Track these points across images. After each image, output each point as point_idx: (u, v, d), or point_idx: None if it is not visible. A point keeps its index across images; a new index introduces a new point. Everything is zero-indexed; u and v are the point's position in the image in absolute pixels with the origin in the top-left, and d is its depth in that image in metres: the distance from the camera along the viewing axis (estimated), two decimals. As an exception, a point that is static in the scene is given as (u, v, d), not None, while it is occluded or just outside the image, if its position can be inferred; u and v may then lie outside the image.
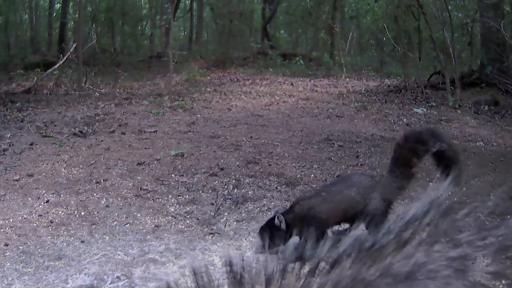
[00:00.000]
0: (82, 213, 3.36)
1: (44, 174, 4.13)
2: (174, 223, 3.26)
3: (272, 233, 2.55)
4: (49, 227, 3.13)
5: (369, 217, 2.52)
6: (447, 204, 0.89)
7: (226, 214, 3.41)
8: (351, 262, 0.83)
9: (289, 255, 0.85)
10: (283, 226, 2.56)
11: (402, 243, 0.85)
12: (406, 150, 2.70)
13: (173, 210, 3.48)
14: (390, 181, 2.78)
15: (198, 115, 6.80)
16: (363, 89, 9.84)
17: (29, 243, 2.89)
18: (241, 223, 3.26)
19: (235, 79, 11.15)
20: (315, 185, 3.94)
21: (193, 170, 4.31)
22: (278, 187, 3.96)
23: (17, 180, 3.95)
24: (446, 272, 0.83)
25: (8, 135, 5.40)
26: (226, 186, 3.96)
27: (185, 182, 4.04)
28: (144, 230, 3.11)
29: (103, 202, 3.56)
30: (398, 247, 0.85)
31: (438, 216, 0.88)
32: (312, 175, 4.23)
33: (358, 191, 2.67)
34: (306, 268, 0.82)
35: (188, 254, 2.75)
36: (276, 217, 2.58)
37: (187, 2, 21.00)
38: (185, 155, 4.70)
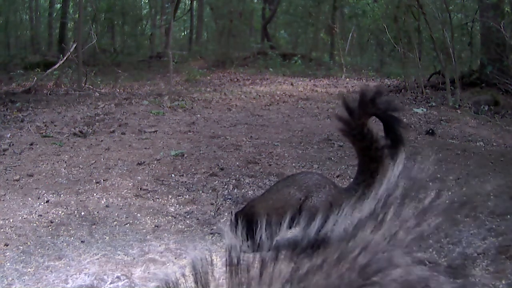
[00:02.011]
0: (82, 213, 3.36)
1: (44, 174, 4.14)
2: (174, 223, 3.26)
3: (231, 228, 2.81)
4: (49, 227, 3.13)
5: (304, 213, 2.54)
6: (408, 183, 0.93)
7: (226, 214, 3.41)
8: (337, 242, 0.88)
9: (281, 241, 0.91)
10: (233, 222, 2.76)
11: (379, 221, 0.89)
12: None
13: (173, 210, 3.48)
14: (349, 187, 2.78)
15: (198, 115, 6.80)
16: (363, 89, 9.83)
17: (29, 243, 2.89)
18: (241, 223, 3.26)
19: (235, 79, 11.16)
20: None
21: (193, 170, 4.31)
22: (278, 187, 3.96)
23: (17, 180, 3.95)
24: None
25: (8, 135, 5.40)
26: (226, 186, 3.96)
27: (185, 182, 4.04)
28: (144, 230, 3.11)
29: (103, 202, 3.56)
30: (377, 225, 0.89)
31: (403, 193, 0.91)
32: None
33: (300, 189, 2.65)
34: (296, 251, 0.87)
35: (188, 253, 2.75)
36: (231, 213, 2.87)
37: (187, 2, 21.01)
38: (185, 155, 4.70)
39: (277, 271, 0.85)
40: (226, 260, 0.87)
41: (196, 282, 0.86)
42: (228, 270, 0.87)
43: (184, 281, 0.89)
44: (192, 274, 0.87)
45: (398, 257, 0.85)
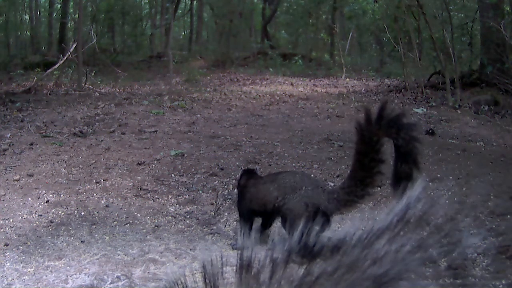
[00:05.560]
0: (82, 213, 3.36)
1: (44, 174, 4.13)
2: (174, 223, 3.26)
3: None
4: (49, 227, 3.13)
5: (282, 215, 2.72)
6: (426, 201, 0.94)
7: (226, 214, 3.41)
8: (350, 249, 0.89)
9: (293, 244, 0.91)
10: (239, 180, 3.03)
11: (395, 233, 0.90)
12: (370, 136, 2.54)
13: (173, 210, 3.48)
14: (333, 190, 2.77)
15: (198, 115, 6.80)
16: (363, 89, 9.84)
17: (29, 243, 2.89)
18: (241, 223, 3.25)
19: (235, 79, 11.15)
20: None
21: (193, 170, 4.31)
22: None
23: (17, 180, 3.95)
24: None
25: (8, 135, 5.40)
26: (226, 186, 3.96)
27: (185, 182, 4.04)
28: (144, 230, 3.11)
29: (103, 202, 3.56)
30: (392, 237, 0.89)
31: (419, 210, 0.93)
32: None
33: (279, 188, 2.79)
34: (308, 255, 0.88)
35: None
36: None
37: (187, 2, 21.01)
38: (185, 155, 4.70)
39: (287, 275, 0.86)
40: (237, 261, 0.88)
41: (205, 282, 0.87)
42: (239, 271, 0.87)
43: (193, 280, 0.90)
44: (202, 274, 0.88)
45: (407, 269, 0.86)
